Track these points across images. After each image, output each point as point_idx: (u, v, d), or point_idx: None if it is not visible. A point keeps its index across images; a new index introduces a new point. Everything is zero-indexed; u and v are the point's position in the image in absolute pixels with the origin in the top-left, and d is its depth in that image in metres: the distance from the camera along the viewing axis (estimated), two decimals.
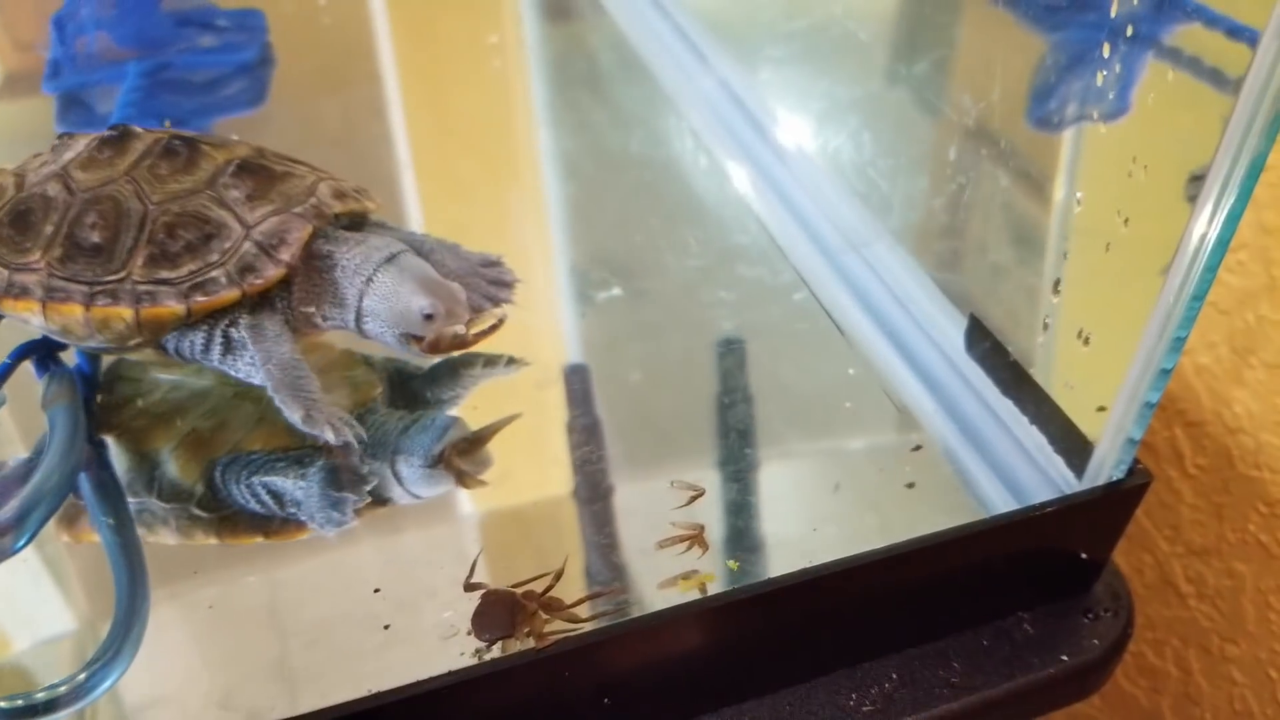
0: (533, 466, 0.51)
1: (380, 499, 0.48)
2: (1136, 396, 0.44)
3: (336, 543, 0.47)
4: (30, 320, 0.48)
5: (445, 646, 0.41)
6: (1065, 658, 0.46)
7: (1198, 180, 0.39)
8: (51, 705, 0.38)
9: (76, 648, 0.45)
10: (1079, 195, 0.48)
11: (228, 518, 0.47)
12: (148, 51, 0.75)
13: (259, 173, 0.48)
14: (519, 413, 0.51)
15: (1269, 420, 0.61)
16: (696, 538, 0.46)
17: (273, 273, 0.46)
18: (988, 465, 0.51)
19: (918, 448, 0.52)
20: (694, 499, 0.48)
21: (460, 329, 0.48)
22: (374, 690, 0.38)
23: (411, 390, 0.53)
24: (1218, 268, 0.40)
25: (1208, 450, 0.65)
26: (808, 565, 0.42)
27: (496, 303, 0.52)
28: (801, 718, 0.44)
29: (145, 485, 0.49)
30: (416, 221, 0.66)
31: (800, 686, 0.45)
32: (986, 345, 0.53)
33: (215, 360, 0.48)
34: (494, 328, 0.51)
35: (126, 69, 0.74)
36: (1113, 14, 0.43)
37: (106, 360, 0.54)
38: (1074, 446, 0.47)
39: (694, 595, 0.43)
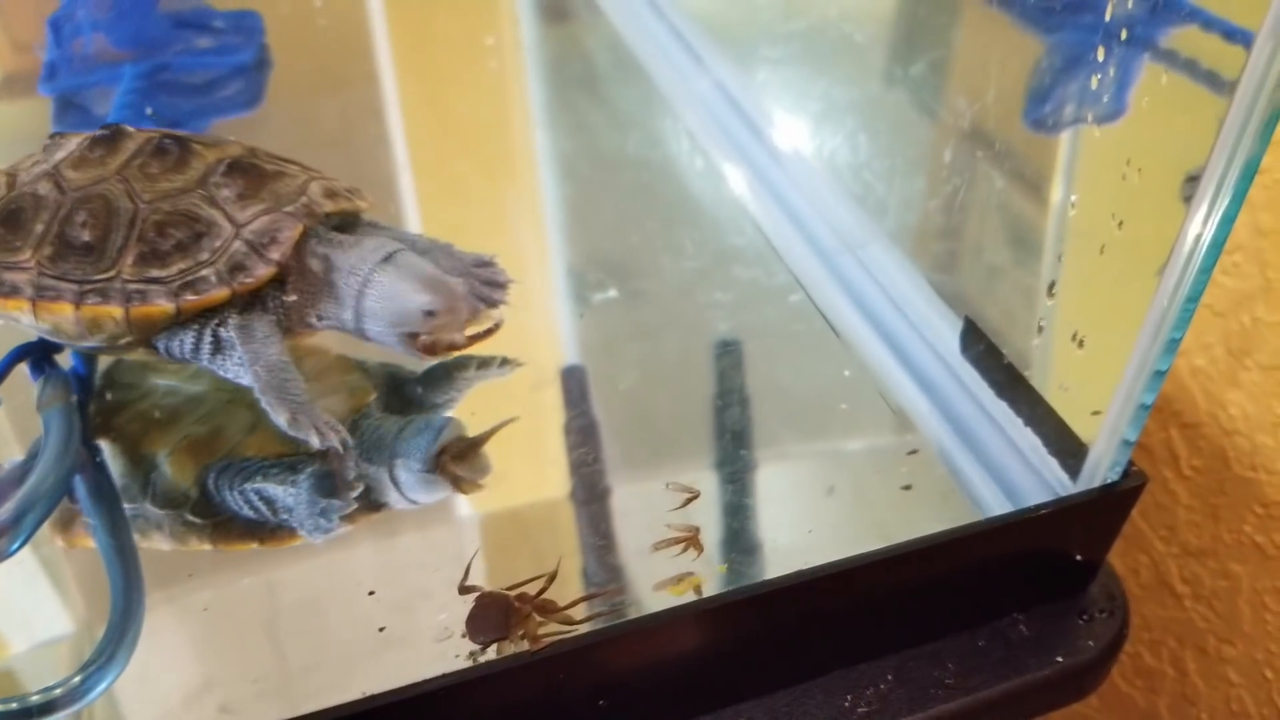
0: (529, 468, 0.51)
1: (376, 504, 0.48)
2: (1131, 398, 0.44)
3: (332, 546, 0.46)
4: (20, 319, 0.48)
5: (440, 649, 0.41)
6: (1061, 659, 0.46)
7: (1193, 182, 0.39)
8: (47, 708, 0.38)
9: (72, 650, 0.45)
10: (1074, 198, 0.48)
11: (221, 524, 0.47)
12: (144, 53, 0.75)
13: (250, 172, 0.48)
14: (515, 416, 0.51)
15: (1264, 422, 0.61)
16: (692, 540, 0.46)
17: (263, 272, 0.46)
18: (983, 467, 0.51)
19: (914, 452, 0.52)
20: (689, 501, 0.48)
21: (457, 336, 0.48)
22: (368, 693, 0.38)
23: (406, 394, 0.53)
24: (1213, 269, 0.40)
25: (1203, 452, 0.65)
26: (803, 567, 0.42)
27: (490, 303, 0.52)
28: (797, 719, 0.44)
29: (140, 490, 0.48)
30: (414, 222, 0.66)
31: (796, 688, 0.45)
32: (982, 347, 0.53)
33: (204, 360, 0.48)
34: (491, 330, 0.51)
35: (123, 70, 0.73)
36: (1109, 16, 0.43)
37: (102, 364, 0.54)
38: (1069, 448, 0.47)
39: (689, 598, 0.43)
